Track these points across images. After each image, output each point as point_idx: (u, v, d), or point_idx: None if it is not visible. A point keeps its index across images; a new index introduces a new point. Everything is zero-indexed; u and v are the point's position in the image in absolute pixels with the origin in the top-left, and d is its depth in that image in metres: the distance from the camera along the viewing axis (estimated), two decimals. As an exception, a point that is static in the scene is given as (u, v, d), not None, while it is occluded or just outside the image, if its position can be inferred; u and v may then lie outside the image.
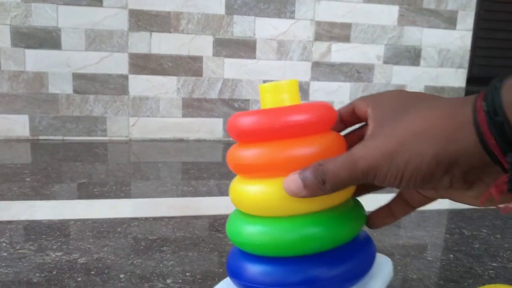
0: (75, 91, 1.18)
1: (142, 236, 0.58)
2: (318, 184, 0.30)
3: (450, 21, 1.37)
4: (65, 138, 1.20)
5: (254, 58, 1.28)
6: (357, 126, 0.37)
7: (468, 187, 0.30)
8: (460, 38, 1.39)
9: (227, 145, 1.23)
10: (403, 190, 0.36)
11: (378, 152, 0.29)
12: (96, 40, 1.17)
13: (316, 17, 1.28)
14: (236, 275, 0.36)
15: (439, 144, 0.27)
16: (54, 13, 1.13)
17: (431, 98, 0.31)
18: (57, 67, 1.16)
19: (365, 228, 0.39)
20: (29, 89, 1.16)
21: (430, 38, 1.37)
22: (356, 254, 0.36)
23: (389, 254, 0.55)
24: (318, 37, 1.30)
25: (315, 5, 1.28)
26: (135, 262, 0.50)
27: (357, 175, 0.29)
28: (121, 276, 0.47)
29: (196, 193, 0.78)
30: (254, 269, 0.35)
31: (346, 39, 1.32)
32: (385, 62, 1.36)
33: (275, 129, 0.33)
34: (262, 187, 0.34)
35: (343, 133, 0.38)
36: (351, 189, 0.36)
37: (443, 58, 1.40)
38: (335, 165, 0.29)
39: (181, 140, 1.26)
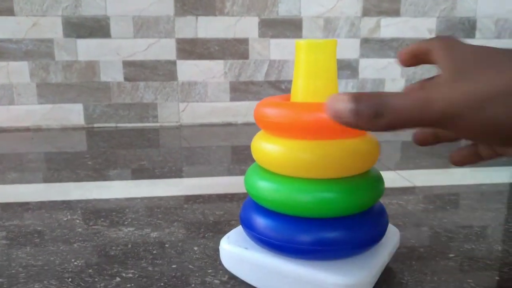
0: (125, 78, 1.20)
1: (209, 211, 0.57)
2: (370, 115, 0.25)
3: (507, -12, 1.29)
4: (118, 125, 1.22)
5: (301, 37, 1.25)
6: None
7: None
8: (518, 5, 1.31)
9: (276, 127, 1.22)
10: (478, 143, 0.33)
11: (464, 96, 0.24)
12: (143, 26, 1.18)
13: (363, -8, 1.24)
14: (247, 225, 0.37)
15: None
16: (102, 2, 1.15)
17: None
18: (107, 55, 1.18)
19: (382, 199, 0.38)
20: (82, 78, 1.19)
21: (485, 7, 1.30)
22: (367, 224, 0.36)
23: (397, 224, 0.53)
24: (366, 12, 1.26)
25: (362, -20, 1.23)
26: (206, 235, 0.50)
27: (430, 118, 0.24)
28: (195, 248, 0.47)
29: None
30: (265, 223, 0.36)
31: (395, 13, 1.27)
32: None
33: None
34: (284, 147, 0.34)
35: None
36: (373, 159, 0.36)
37: (500, 28, 1.32)
38: (402, 101, 0.24)
39: (229, 124, 1.25)
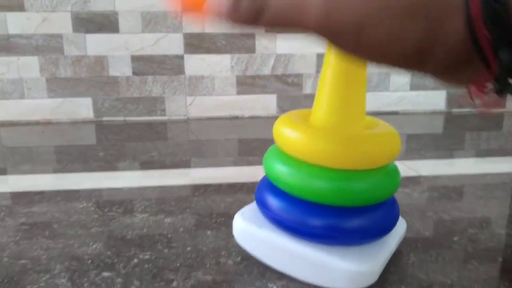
0: (134, 73, 1.22)
1: (220, 199, 0.59)
2: (252, 9, 0.22)
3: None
4: (127, 118, 1.24)
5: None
6: None
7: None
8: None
9: (282, 120, 1.23)
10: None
11: (344, 7, 0.21)
12: (152, 21, 1.19)
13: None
14: (262, 203, 0.38)
15: (423, 26, 0.20)
16: (111, -3, 1.17)
17: None
18: (116, 50, 1.20)
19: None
20: (91, 72, 1.21)
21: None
22: (379, 215, 0.37)
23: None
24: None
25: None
26: (218, 220, 0.52)
27: (307, 23, 0.22)
28: (208, 232, 0.48)
29: (261, 162, 0.79)
30: (280, 204, 0.37)
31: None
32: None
33: None
34: (306, 135, 0.35)
35: None
36: (394, 153, 0.36)
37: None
38: (284, 1, 0.22)
39: (236, 118, 1.27)
